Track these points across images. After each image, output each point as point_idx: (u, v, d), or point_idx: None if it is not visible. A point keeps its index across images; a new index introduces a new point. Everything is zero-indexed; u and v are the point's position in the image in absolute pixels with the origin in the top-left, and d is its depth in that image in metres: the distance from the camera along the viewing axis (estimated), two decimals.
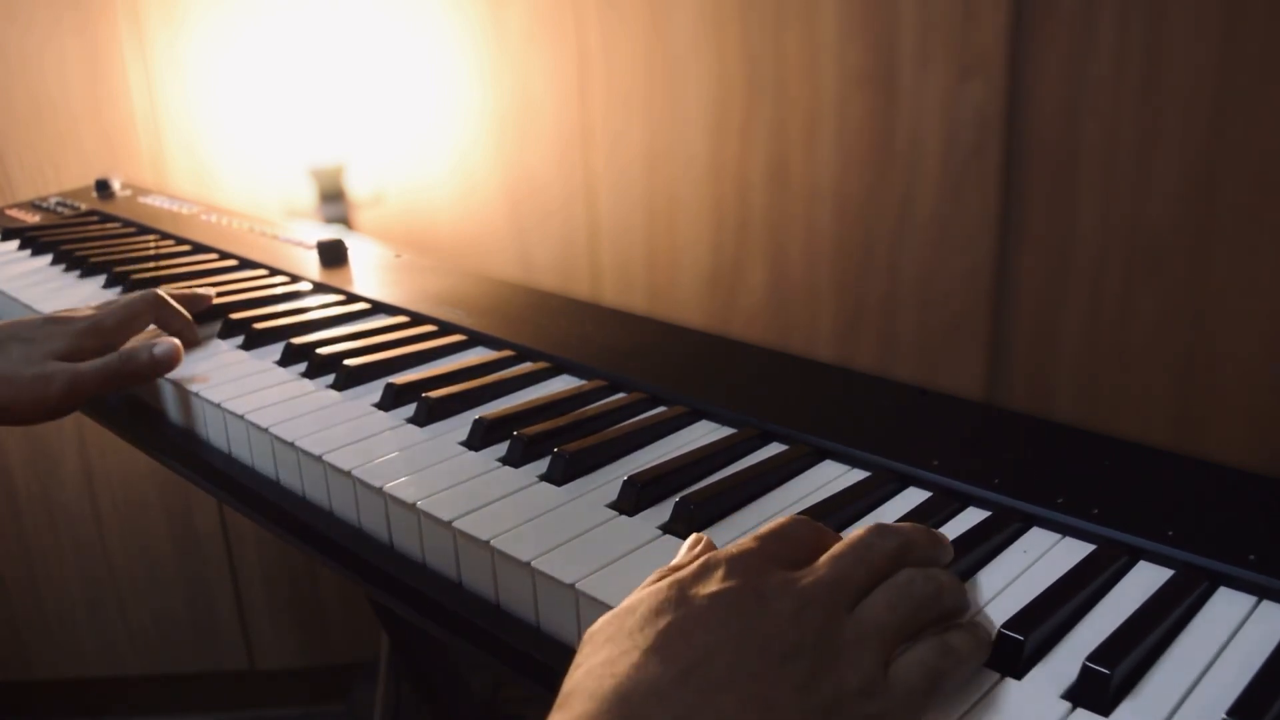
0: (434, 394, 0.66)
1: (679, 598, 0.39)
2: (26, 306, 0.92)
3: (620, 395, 0.68)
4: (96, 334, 0.74)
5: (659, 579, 0.42)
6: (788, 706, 0.36)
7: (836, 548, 0.42)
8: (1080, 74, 1.22)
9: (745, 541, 0.42)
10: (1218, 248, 1.20)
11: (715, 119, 1.43)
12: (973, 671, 0.41)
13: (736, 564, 0.40)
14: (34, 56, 1.57)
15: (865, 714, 0.37)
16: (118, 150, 1.63)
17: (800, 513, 0.52)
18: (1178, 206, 1.21)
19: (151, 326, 0.80)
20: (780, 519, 0.44)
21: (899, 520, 0.51)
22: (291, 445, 0.63)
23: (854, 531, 0.43)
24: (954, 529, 0.51)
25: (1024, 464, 0.55)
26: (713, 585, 0.39)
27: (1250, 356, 1.21)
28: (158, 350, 0.73)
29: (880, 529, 0.43)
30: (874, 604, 0.40)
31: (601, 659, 0.37)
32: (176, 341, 0.74)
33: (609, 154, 1.52)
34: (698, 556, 0.43)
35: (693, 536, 0.46)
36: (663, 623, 0.38)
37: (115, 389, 0.73)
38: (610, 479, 0.57)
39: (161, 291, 0.80)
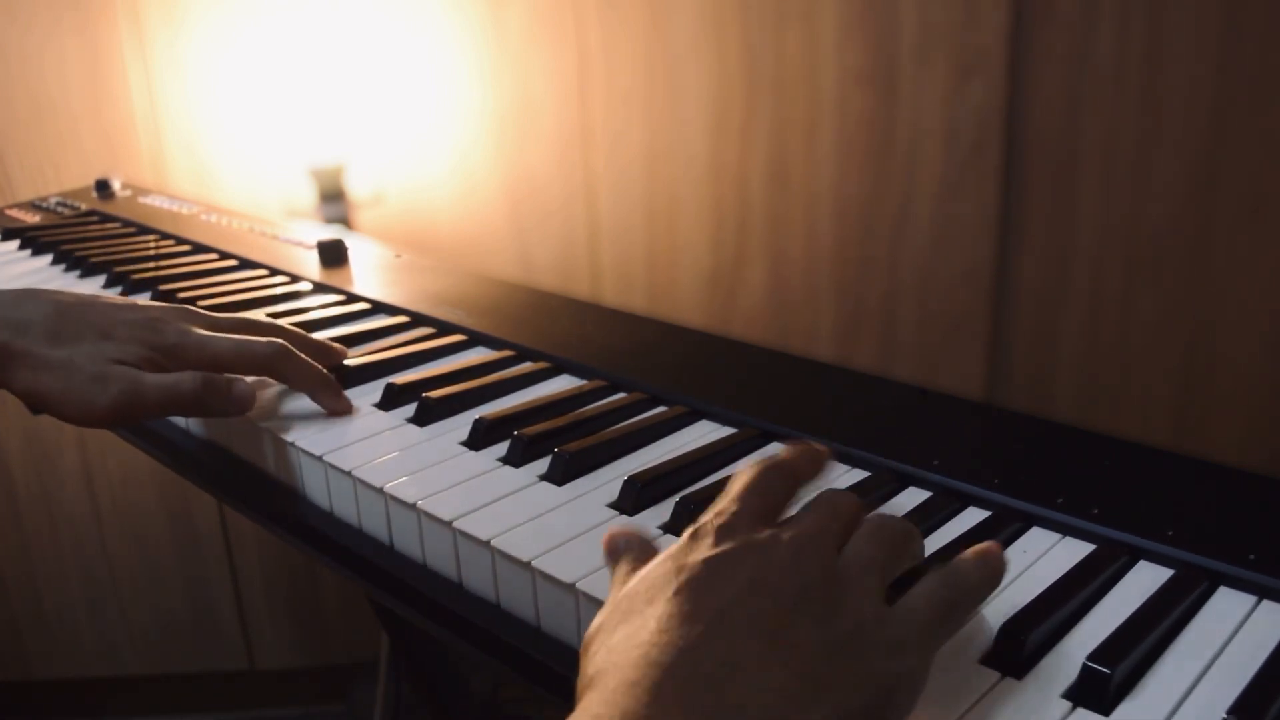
0: (434, 394, 0.66)
1: (679, 567, 0.39)
2: None
3: (620, 395, 0.68)
4: (182, 359, 0.64)
5: (629, 573, 0.42)
6: (812, 643, 0.36)
7: (808, 503, 0.43)
8: (1080, 74, 1.22)
9: (725, 504, 0.42)
10: (1218, 248, 1.20)
11: (715, 119, 1.43)
12: (984, 599, 0.42)
13: (725, 527, 0.41)
14: (34, 56, 1.57)
15: (887, 640, 0.37)
16: (118, 150, 1.63)
17: (798, 514, 0.52)
18: (1178, 206, 1.21)
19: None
20: (749, 471, 0.44)
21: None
22: (291, 445, 0.63)
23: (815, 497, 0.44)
24: (954, 529, 0.51)
25: (1024, 464, 0.55)
26: (708, 550, 0.39)
27: (1250, 356, 1.22)
28: (237, 389, 0.64)
29: (831, 492, 0.44)
30: (858, 544, 0.41)
31: (621, 636, 0.37)
32: (252, 390, 0.65)
33: (609, 154, 1.52)
34: (637, 541, 0.44)
35: (611, 531, 0.46)
36: (671, 590, 0.38)
37: (179, 414, 0.65)
38: (610, 479, 0.57)
39: (289, 343, 0.67)
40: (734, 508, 0.42)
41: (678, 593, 0.37)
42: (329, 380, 0.67)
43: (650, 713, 0.33)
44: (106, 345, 0.63)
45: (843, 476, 0.57)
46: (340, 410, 0.66)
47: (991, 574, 0.42)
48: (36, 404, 0.62)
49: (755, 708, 0.34)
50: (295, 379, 0.67)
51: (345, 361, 0.72)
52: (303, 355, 0.67)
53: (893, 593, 0.40)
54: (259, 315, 0.75)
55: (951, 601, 0.40)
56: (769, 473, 0.44)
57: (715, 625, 0.36)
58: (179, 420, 0.75)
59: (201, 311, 0.70)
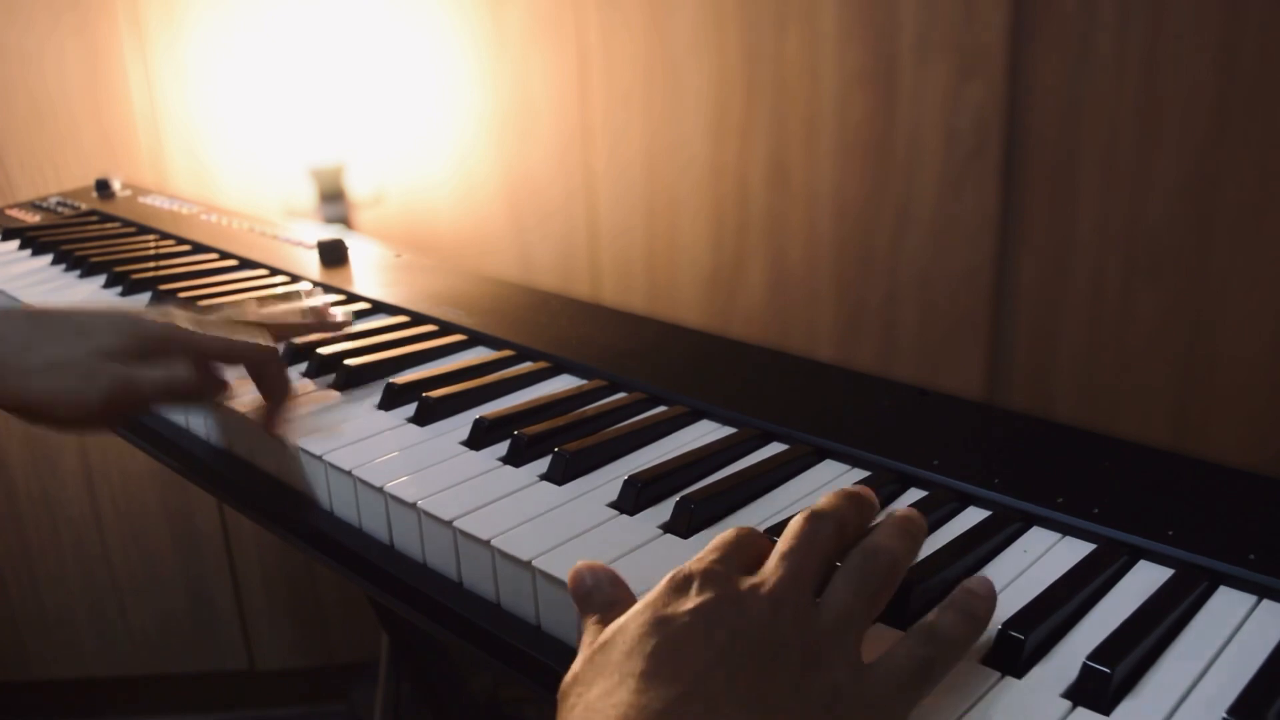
0: (434, 394, 0.66)
1: (659, 619, 0.39)
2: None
3: (620, 395, 0.68)
4: (167, 344, 0.63)
5: (599, 621, 0.42)
6: (789, 705, 0.36)
7: (782, 545, 0.43)
8: (1080, 74, 1.22)
9: (705, 555, 0.42)
10: (1218, 248, 1.20)
11: (715, 119, 1.43)
12: (963, 656, 0.41)
13: (706, 578, 0.40)
14: (34, 56, 1.57)
15: (863, 701, 0.37)
16: (118, 150, 1.63)
17: (798, 513, 0.52)
18: (1178, 206, 1.21)
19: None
20: (724, 533, 0.44)
21: None
22: (291, 445, 0.63)
23: (789, 527, 0.43)
24: (954, 529, 0.51)
25: (1024, 464, 0.55)
26: (690, 602, 0.39)
27: (1250, 356, 1.22)
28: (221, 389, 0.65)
29: (813, 515, 0.44)
30: (836, 592, 0.41)
31: (597, 693, 0.37)
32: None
33: (609, 154, 1.52)
34: (606, 578, 0.44)
35: (578, 567, 0.46)
36: (650, 646, 0.37)
37: (173, 405, 0.66)
38: (610, 479, 0.57)
39: (283, 323, 0.70)
40: (714, 556, 0.42)
41: (656, 651, 0.37)
42: (292, 402, 0.66)
43: None
44: (86, 341, 0.60)
45: (842, 476, 0.57)
46: (278, 434, 0.64)
47: (975, 626, 0.41)
48: (27, 414, 0.59)
49: None
50: (271, 385, 0.65)
51: (346, 362, 0.72)
52: (283, 368, 0.66)
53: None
54: (247, 309, 0.73)
55: (930, 660, 0.39)
56: (743, 533, 0.44)
57: (694, 688, 0.36)
58: (179, 420, 0.75)
59: (183, 310, 0.68)
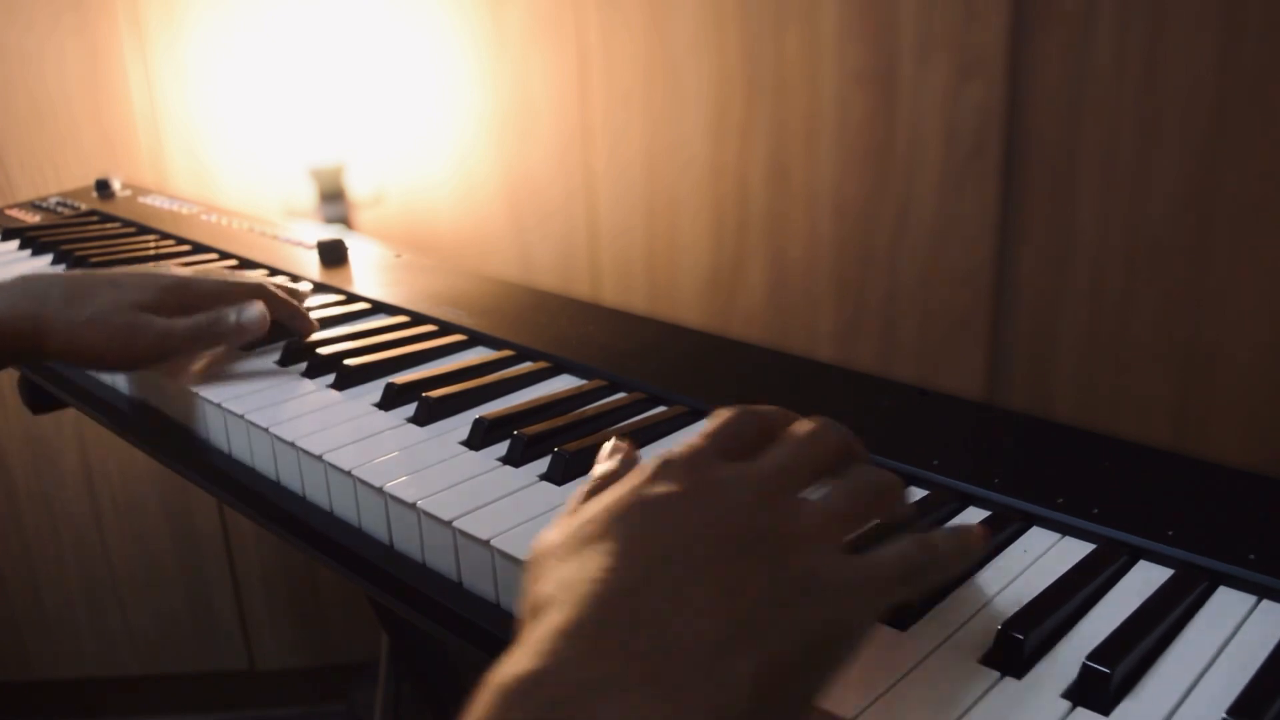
0: (434, 394, 0.66)
1: (638, 501, 0.39)
2: None
3: (620, 395, 0.68)
4: (183, 293, 0.72)
5: (590, 493, 0.43)
6: (759, 588, 0.36)
7: (787, 435, 0.43)
8: (1080, 74, 1.22)
9: (694, 440, 0.42)
10: (1218, 248, 1.20)
11: (715, 119, 1.43)
12: (949, 574, 0.42)
13: (690, 461, 0.41)
14: (34, 56, 1.57)
15: (836, 586, 0.37)
16: (118, 150, 1.63)
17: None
18: (1178, 206, 1.21)
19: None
20: (727, 413, 0.44)
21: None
22: (291, 445, 0.63)
23: (801, 421, 0.44)
24: None
25: (1024, 464, 0.55)
26: (669, 485, 0.39)
27: (1250, 356, 1.22)
28: (244, 315, 0.72)
29: (826, 422, 0.44)
30: (830, 492, 0.41)
31: (572, 566, 0.37)
32: (262, 308, 0.73)
33: (609, 154, 1.52)
34: (624, 460, 0.46)
35: (609, 444, 0.47)
36: (625, 526, 0.38)
37: (200, 349, 0.73)
38: None
39: (266, 282, 0.78)
40: (704, 444, 0.42)
41: (631, 529, 0.38)
42: (301, 311, 0.78)
43: (587, 660, 0.33)
44: (121, 293, 0.69)
45: None
46: (309, 329, 0.78)
47: (965, 549, 0.43)
48: (77, 361, 0.69)
49: (685, 651, 0.34)
50: (277, 310, 0.76)
51: (345, 362, 0.72)
52: (277, 290, 0.77)
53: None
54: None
55: (917, 565, 0.40)
56: (747, 414, 0.45)
57: (662, 567, 0.36)
58: (179, 420, 0.75)
59: (182, 269, 0.78)
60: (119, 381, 0.81)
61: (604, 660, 0.33)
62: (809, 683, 0.36)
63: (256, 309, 0.73)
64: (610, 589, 0.35)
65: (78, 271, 0.72)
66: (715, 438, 0.43)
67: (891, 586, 0.39)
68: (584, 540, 0.38)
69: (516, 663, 0.33)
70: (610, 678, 0.33)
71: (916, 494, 0.55)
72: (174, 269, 0.76)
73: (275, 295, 0.77)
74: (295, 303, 0.78)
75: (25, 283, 0.69)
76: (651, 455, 0.59)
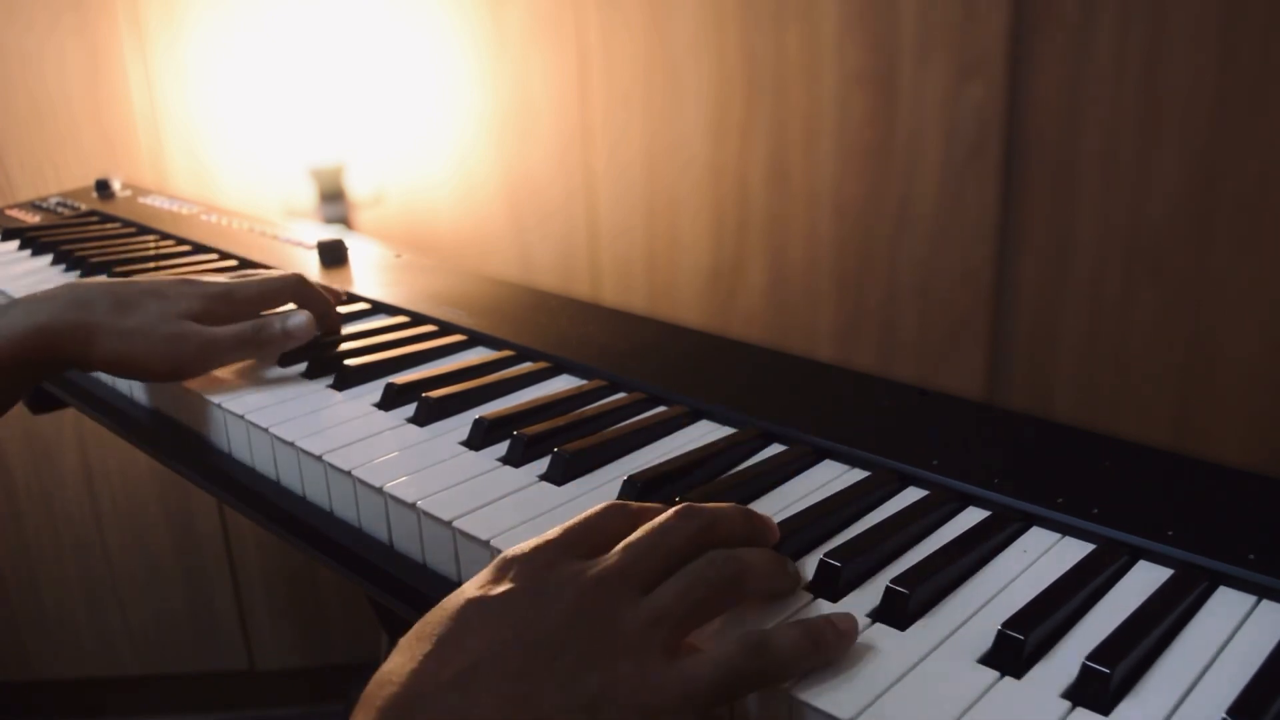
0: (434, 394, 0.66)
1: (468, 601, 0.40)
2: None
3: (620, 395, 0.68)
4: (227, 302, 0.73)
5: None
6: (549, 704, 0.36)
7: (633, 534, 0.42)
8: (1080, 74, 1.22)
9: (549, 533, 0.43)
10: (1218, 248, 1.20)
11: (715, 119, 1.43)
12: (790, 676, 0.40)
13: (528, 561, 0.41)
14: (34, 56, 1.57)
15: (635, 705, 0.37)
16: (118, 150, 1.63)
17: (798, 513, 0.52)
18: (1177, 206, 1.21)
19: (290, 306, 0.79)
20: (596, 507, 0.44)
21: (899, 514, 0.51)
22: (292, 445, 0.63)
23: (658, 517, 0.43)
24: (954, 529, 0.51)
25: (1024, 464, 0.55)
26: (501, 586, 0.40)
27: (1250, 356, 1.22)
28: (290, 323, 0.73)
29: (685, 510, 0.43)
30: (663, 591, 0.40)
31: (392, 665, 0.38)
32: (309, 315, 0.74)
33: (609, 154, 1.52)
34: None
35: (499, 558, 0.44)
36: (446, 626, 0.39)
37: (246, 357, 0.73)
38: (610, 479, 0.57)
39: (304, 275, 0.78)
40: (553, 540, 0.42)
41: (448, 632, 0.38)
42: (331, 310, 0.79)
43: None
44: (167, 304, 0.70)
45: (842, 476, 0.57)
46: (335, 329, 0.79)
47: (818, 653, 0.40)
48: (122, 371, 0.69)
49: None
50: (314, 303, 0.77)
51: (345, 362, 0.72)
52: (314, 283, 0.78)
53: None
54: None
55: (745, 674, 0.38)
56: (612, 509, 0.44)
57: (461, 675, 0.37)
58: (179, 420, 0.75)
59: (220, 275, 0.77)
60: (119, 383, 0.81)
61: None
62: None
63: (303, 317, 0.73)
64: (408, 694, 0.36)
65: (121, 281, 0.72)
66: (568, 533, 0.43)
67: (709, 702, 0.38)
68: (416, 637, 0.39)
69: None
70: None
71: (917, 495, 0.55)
72: (215, 276, 0.76)
73: (312, 290, 0.77)
74: (329, 300, 0.79)
75: (72, 291, 0.69)
76: (650, 456, 0.59)
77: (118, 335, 0.67)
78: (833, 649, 0.40)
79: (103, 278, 0.83)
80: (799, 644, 0.40)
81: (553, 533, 0.43)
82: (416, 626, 0.40)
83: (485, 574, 0.41)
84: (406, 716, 0.36)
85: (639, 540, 0.42)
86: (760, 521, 0.46)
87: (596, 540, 0.43)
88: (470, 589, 0.40)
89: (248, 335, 0.71)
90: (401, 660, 0.38)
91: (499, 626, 0.38)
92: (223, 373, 0.74)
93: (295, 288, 0.76)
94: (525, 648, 0.38)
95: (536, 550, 0.42)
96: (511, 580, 0.40)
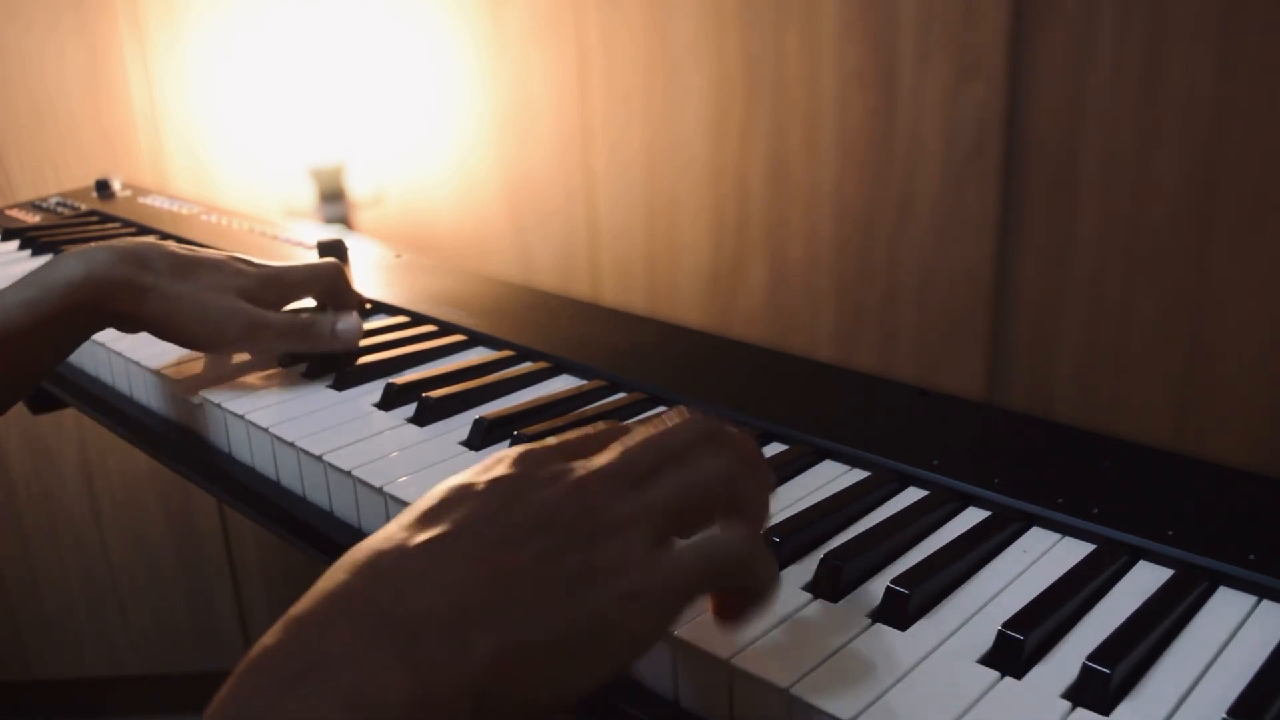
0: (434, 394, 0.66)
1: (459, 484, 0.39)
2: None
3: (620, 395, 0.68)
4: (279, 286, 0.73)
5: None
6: (524, 574, 0.36)
7: (633, 436, 0.42)
8: (1080, 74, 1.22)
9: (547, 440, 0.43)
10: (1218, 249, 1.20)
11: (715, 119, 1.43)
12: (754, 585, 0.40)
13: (527, 454, 0.41)
14: (34, 56, 1.57)
15: (615, 587, 0.36)
16: (118, 150, 1.63)
17: (798, 513, 0.52)
18: (1178, 207, 1.21)
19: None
20: (595, 426, 0.44)
21: (899, 514, 0.51)
22: (292, 445, 0.63)
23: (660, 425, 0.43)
24: (954, 529, 0.51)
25: (1024, 464, 0.55)
26: (495, 472, 0.40)
27: (1250, 356, 1.21)
28: (341, 326, 0.73)
29: (690, 418, 0.43)
30: (659, 483, 0.40)
31: (372, 537, 0.38)
32: (360, 323, 0.74)
33: (609, 154, 1.52)
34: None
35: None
36: (430, 504, 0.38)
37: (288, 349, 0.73)
38: None
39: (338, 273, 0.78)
40: (553, 442, 0.42)
41: (436, 507, 0.38)
42: (362, 304, 0.80)
43: (334, 628, 0.33)
44: (223, 277, 0.70)
45: (843, 476, 0.57)
46: (360, 329, 0.76)
47: (767, 572, 0.41)
48: (167, 334, 0.68)
49: (430, 621, 0.34)
50: (346, 296, 0.77)
51: (345, 362, 0.73)
52: (350, 276, 0.78)
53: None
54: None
55: (724, 567, 0.39)
56: (613, 428, 0.44)
57: (439, 540, 0.36)
58: (179, 419, 0.75)
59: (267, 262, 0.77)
60: (119, 382, 0.81)
61: (350, 627, 0.33)
62: (564, 674, 0.35)
63: (354, 322, 0.73)
64: (382, 556, 0.36)
65: (181, 246, 0.71)
66: (564, 440, 0.43)
67: (686, 586, 0.38)
68: (402, 512, 0.39)
69: (269, 634, 0.34)
70: (352, 645, 0.33)
71: (917, 495, 0.55)
72: (269, 261, 0.76)
73: (348, 285, 0.77)
74: (361, 295, 0.80)
75: (131, 247, 0.68)
76: None
77: (171, 297, 0.67)
78: (773, 576, 0.41)
79: (160, 240, 0.82)
80: (762, 558, 0.40)
81: (549, 440, 0.42)
82: (414, 504, 0.40)
83: (478, 465, 0.41)
84: (371, 578, 0.35)
85: (637, 441, 0.42)
86: (758, 453, 0.45)
87: (593, 450, 0.42)
88: (462, 475, 0.40)
89: (298, 327, 0.71)
90: (380, 531, 0.38)
91: (483, 504, 0.38)
92: (223, 372, 0.74)
93: (335, 276, 0.77)
94: (509, 522, 0.37)
95: (537, 447, 0.42)
96: (505, 468, 0.40)
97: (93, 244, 0.69)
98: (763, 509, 0.43)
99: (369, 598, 0.34)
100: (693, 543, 0.39)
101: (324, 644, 0.33)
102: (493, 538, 0.37)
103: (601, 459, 0.41)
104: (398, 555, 0.36)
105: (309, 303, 0.78)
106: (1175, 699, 0.39)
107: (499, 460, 0.41)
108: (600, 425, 0.45)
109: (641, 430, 0.43)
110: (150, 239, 0.71)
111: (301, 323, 0.72)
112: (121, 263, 0.66)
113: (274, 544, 1.78)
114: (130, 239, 0.70)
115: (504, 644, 0.34)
